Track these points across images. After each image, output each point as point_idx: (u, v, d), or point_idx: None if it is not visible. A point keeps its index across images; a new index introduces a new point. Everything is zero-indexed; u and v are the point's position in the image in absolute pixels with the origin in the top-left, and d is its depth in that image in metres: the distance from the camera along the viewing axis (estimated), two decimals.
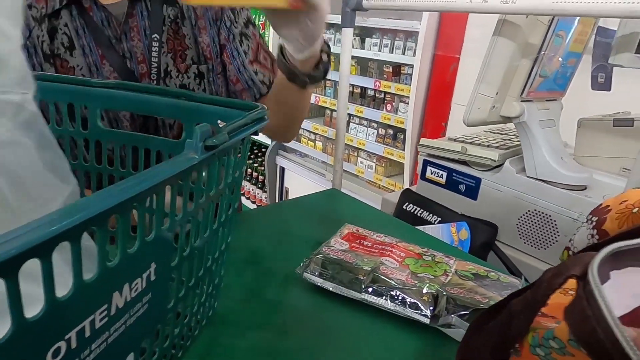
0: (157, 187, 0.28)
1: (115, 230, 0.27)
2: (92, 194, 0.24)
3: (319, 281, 0.60)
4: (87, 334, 0.27)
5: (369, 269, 0.59)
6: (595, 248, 0.34)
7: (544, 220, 0.85)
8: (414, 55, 2.00)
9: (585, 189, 0.85)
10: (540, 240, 0.86)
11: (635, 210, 0.42)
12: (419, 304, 0.55)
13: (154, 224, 0.31)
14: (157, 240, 0.32)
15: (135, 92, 0.52)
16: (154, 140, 0.51)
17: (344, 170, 2.60)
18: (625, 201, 0.45)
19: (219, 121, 0.48)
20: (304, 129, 2.73)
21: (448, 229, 0.94)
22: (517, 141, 1.02)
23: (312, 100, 2.68)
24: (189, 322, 0.44)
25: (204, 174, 0.37)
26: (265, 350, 0.49)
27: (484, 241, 0.90)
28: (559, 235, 0.83)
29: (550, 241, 0.85)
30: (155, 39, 0.72)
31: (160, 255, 0.33)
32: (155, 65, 0.73)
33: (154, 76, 0.73)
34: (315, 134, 2.66)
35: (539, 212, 0.85)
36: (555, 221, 0.83)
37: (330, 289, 0.59)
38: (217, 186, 0.40)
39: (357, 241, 0.68)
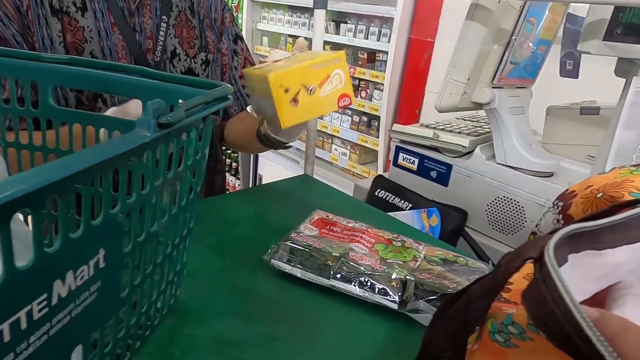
0: (103, 166, 0.26)
1: (58, 214, 0.25)
2: (22, 172, 0.21)
3: (287, 267, 0.58)
4: (24, 325, 0.24)
5: (338, 254, 0.59)
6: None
7: (512, 206, 0.86)
8: (389, 41, 1.99)
9: (552, 175, 0.87)
10: (508, 226, 0.87)
11: (599, 195, 0.42)
12: (388, 290, 0.54)
13: (102, 207, 0.29)
14: (105, 225, 0.29)
15: (90, 68, 0.48)
16: (110, 120, 0.48)
17: (319, 157, 2.59)
18: (591, 186, 0.46)
19: (180, 101, 0.46)
20: None
21: (419, 215, 0.94)
22: (488, 128, 1.03)
23: None
24: (147, 311, 0.42)
25: (158, 154, 0.35)
26: (229, 339, 0.47)
27: (453, 227, 0.91)
28: (526, 222, 0.85)
29: (517, 227, 0.86)
30: (164, 20, 0.77)
31: (110, 241, 0.31)
32: (161, 44, 0.77)
33: (158, 53, 0.77)
34: None
35: (507, 198, 0.86)
36: (522, 207, 0.84)
37: (299, 275, 0.58)
38: (175, 168, 0.38)
39: (327, 227, 0.67)
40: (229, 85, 0.42)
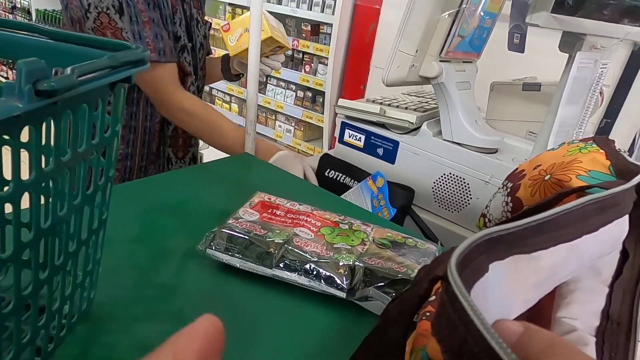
0: None
1: None
2: None
3: (224, 257, 0.52)
4: None
5: (281, 241, 0.53)
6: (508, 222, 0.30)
7: (458, 183, 0.85)
8: (333, 13, 1.92)
9: (497, 152, 0.86)
10: (454, 203, 0.87)
11: (547, 177, 0.40)
12: (335, 278, 0.50)
13: None
14: None
15: None
16: None
17: (262, 134, 2.50)
18: (539, 166, 0.43)
19: None
20: (217, 89, 2.56)
21: (366, 185, 0.91)
22: (434, 104, 1.01)
23: None
24: (48, 322, 0.34)
25: (44, 130, 0.27)
26: (155, 346, 0.41)
27: (400, 205, 0.89)
28: (471, 198, 0.84)
29: (463, 204, 0.86)
30: None
31: None
32: (187, 12, 0.92)
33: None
34: (230, 95, 2.51)
35: (453, 175, 0.85)
36: (468, 184, 0.84)
37: (238, 265, 0.52)
38: (73, 149, 0.31)
39: (269, 211, 0.61)
40: (142, 47, 0.35)
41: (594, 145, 0.37)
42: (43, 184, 0.28)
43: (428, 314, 0.31)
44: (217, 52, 2.51)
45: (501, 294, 0.21)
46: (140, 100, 0.92)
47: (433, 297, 0.34)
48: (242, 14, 2.42)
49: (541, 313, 0.27)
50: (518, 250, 0.22)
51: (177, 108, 0.88)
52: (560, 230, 0.23)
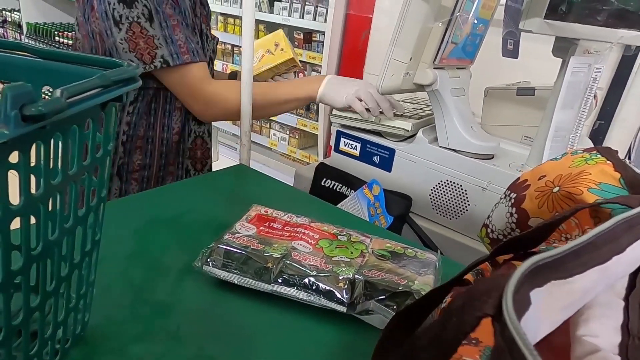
0: None
1: None
2: None
3: (221, 274, 0.51)
4: None
5: (279, 255, 0.53)
6: (514, 242, 0.30)
7: (455, 190, 0.84)
8: (325, 21, 1.93)
9: (493, 157, 0.86)
10: (452, 210, 0.86)
11: (556, 189, 0.40)
12: (335, 292, 0.49)
13: None
14: None
15: None
16: None
17: (257, 143, 2.49)
18: (544, 176, 0.43)
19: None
20: None
21: (362, 193, 0.91)
22: (429, 110, 1.01)
23: (220, 68, 2.50)
24: (41, 349, 0.33)
25: (34, 153, 0.26)
26: None
27: (398, 214, 0.88)
28: (469, 205, 0.84)
29: (461, 211, 0.85)
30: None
31: None
32: (197, 21, 0.92)
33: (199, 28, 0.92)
34: None
35: (450, 182, 0.85)
36: (465, 190, 0.83)
37: (236, 281, 0.51)
38: (64, 171, 0.30)
39: (266, 224, 0.60)
40: (134, 65, 0.34)
41: (599, 155, 0.37)
42: (33, 208, 0.28)
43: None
44: (229, 67, 2.50)
45: (535, 317, 0.20)
46: (158, 111, 0.90)
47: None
48: (234, 23, 2.42)
49: (560, 337, 0.26)
50: (557, 276, 0.21)
51: (219, 100, 0.90)
52: (594, 253, 0.22)
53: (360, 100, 0.88)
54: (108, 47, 0.81)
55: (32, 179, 0.29)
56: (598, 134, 1.36)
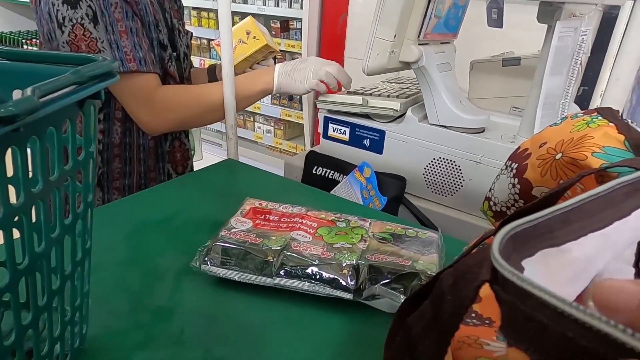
0: None
1: None
2: None
3: (221, 272, 0.50)
4: None
5: (279, 248, 0.51)
6: (521, 215, 0.28)
7: (449, 166, 0.84)
8: (301, 7, 1.89)
9: (484, 130, 0.85)
10: (447, 187, 0.85)
11: (558, 156, 0.38)
12: (340, 280, 0.48)
13: None
14: None
15: None
16: None
17: (242, 137, 2.46)
18: (545, 144, 0.42)
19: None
20: None
21: (353, 177, 0.89)
22: (415, 89, 0.99)
23: (197, 64, 2.45)
24: None
25: (10, 159, 0.24)
26: None
27: (393, 195, 0.87)
28: (464, 181, 0.83)
29: (456, 187, 0.84)
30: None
31: None
32: (169, 22, 0.89)
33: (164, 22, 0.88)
34: None
35: (443, 159, 0.84)
36: (459, 166, 0.82)
37: (236, 278, 0.50)
38: (44, 178, 0.28)
39: (262, 217, 0.59)
40: (109, 59, 0.32)
41: (601, 117, 0.36)
42: (15, 220, 0.26)
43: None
44: (207, 62, 2.45)
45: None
46: (129, 116, 0.87)
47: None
48: (208, 16, 2.37)
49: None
50: (546, 244, 0.20)
51: (161, 109, 0.84)
52: (588, 219, 0.21)
53: (322, 81, 0.88)
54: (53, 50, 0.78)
55: (11, 189, 0.27)
56: (583, 99, 1.37)
